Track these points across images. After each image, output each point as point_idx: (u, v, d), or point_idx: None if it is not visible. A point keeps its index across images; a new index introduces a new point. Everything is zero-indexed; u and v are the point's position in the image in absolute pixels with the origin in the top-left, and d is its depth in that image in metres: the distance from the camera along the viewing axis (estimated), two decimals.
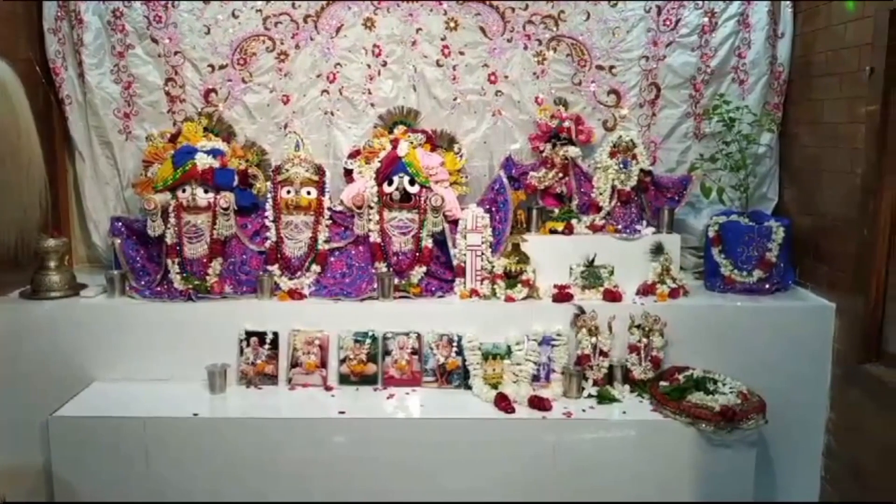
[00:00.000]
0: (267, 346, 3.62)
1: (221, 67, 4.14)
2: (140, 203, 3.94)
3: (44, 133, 4.06)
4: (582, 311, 3.62)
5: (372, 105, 4.19)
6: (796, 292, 3.89)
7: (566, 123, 4.04)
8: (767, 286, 3.83)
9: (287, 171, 3.91)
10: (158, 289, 3.80)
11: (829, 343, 3.61)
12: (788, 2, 4.00)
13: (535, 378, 3.59)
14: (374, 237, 3.91)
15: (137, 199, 4.03)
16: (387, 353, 3.62)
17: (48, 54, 4.02)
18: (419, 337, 3.63)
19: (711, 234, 3.93)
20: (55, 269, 3.76)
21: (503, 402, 3.37)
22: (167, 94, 4.15)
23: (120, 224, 3.94)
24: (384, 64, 4.17)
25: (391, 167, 3.90)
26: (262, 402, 3.49)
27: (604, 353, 3.57)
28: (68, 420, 3.31)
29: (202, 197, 3.81)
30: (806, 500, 3.71)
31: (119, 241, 3.89)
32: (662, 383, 3.45)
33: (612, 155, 4.00)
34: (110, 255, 3.99)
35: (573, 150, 4.02)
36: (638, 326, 3.59)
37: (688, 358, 3.61)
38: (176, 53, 4.10)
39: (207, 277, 3.79)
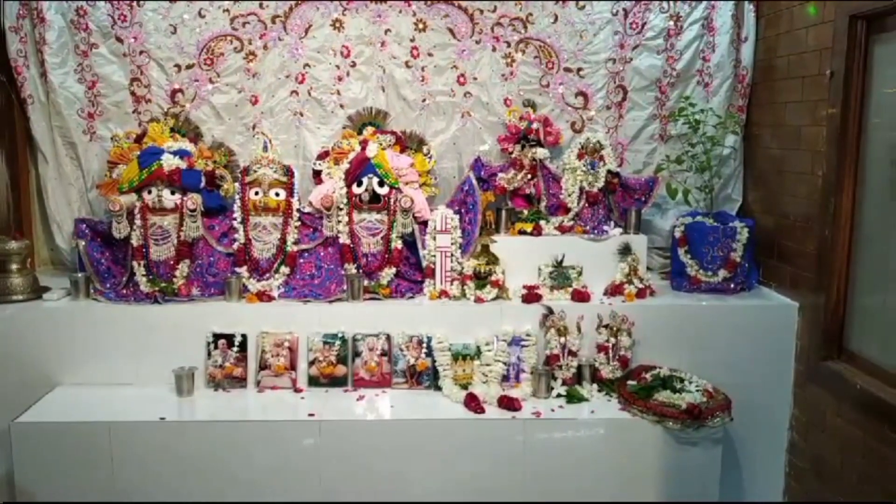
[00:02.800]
0: (235, 349, 3.60)
1: (188, 67, 4.10)
2: (105, 204, 3.89)
3: (5, 133, 4.00)
4: (551, 311, 3.64)
5: (341, 106, 4.18)
6: (760, 291, 3.96)
7: (534, 125, 4.07)
8: (732, 286, 3.89)
9: (255, 172, 3.88)
10: (124, 291, 3.75)
11: (792, 341, 3.68)
12: (751, 6, 4.07)
13: (505, 378, 3.61)
14: (344, 238, 3.89)
15: (102, 200, 3.98)
16: (356, 354, 3.61)
17: (9, 53, 3.95)
18: (389, 338, 3.62)
19: (677, 234, 3.98)
20: (17, 272, 3.71)
21: (473, 403, 3.38)
22: (132, 94, 4.10)
23: (84, 226, 3.88)
24: (353, 65, 4.16)
25: (360, 168, 3.89)
26: (230, 405, 3.46)
27: (572, 353, 3.60)
28: (31, 426, 3.25)
29: (169, 198, 3.77)
30: (770, 499, 3.79)
31: (83, 243, 3.83)
32: (630, 382, 3.49)
33: (579, 156, 4.03)
34: (74, 257, 3.93)
35: (541, 152, 4.06)
36: (606, 326, 3.62)
37: (655, 357, 3.66)
38: (141, 53, 4.05)
39: (174, 280, 3.75)
